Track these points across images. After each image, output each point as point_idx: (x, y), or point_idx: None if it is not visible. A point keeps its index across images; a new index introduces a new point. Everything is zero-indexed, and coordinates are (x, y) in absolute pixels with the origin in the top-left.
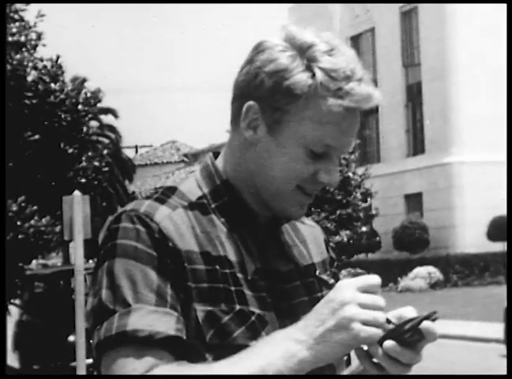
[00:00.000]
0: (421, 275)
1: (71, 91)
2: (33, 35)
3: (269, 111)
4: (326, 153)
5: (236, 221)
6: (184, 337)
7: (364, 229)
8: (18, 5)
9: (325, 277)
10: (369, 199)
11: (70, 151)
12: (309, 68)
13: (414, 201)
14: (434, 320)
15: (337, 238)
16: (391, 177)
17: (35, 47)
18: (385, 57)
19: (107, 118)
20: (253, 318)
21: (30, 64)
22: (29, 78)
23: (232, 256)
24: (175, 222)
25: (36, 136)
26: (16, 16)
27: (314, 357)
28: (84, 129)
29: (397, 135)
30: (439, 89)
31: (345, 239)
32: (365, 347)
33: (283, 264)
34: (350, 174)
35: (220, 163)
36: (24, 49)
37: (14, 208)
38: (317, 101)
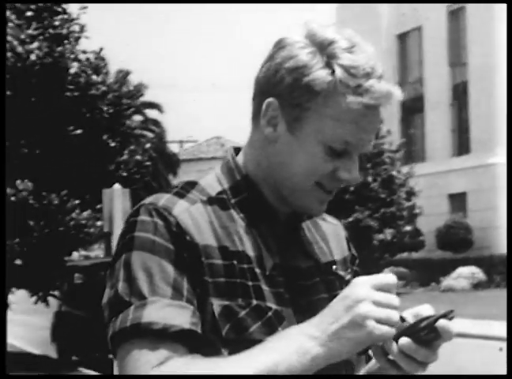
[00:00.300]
0: (464, 275)
1: (113, 84)
2: (76, 28)
3: (288, 108)
4: (346, 150)
5: (256, 217)
6: (199, 331)
7: (408, 228)
8: None
9: (341, 273)
10: (413, 198)
11: (112, 144)
12: (328, 65)
13: (458, 201)
14: (450, 319)
15: (381, 236)
16: (436, 176)
17: (77, 40)
18: (432, 56)
19: (153, 113)
20: (269, 314)
21: (72, 56)
22: (71, 70)
23: (251, 251)
24: (193, 216)
25: (79, 131)
26: (59, 9)
27: (327, 353)
28: (127, 122)
29: (443, 134)
30: (485, 89)
31: (389, 238)
32: (381, 344)
33: (302, 260)
34: (394, 173)
35: (240, 158)
36: (66, 41)
37: (56, 201)
38: (336, 98)
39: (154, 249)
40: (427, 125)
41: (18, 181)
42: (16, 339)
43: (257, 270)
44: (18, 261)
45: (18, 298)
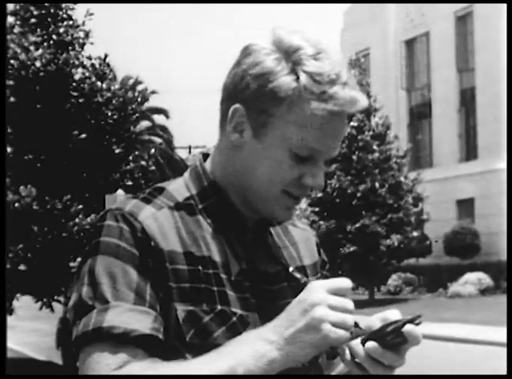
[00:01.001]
0: (471, 281)
1: (118, 90)
2: (81, 34)
3: (254, 114)
4: (311, 156)
5: (223, 222)
6: (160, 336)
7: (415, 234)
8: (66, 4)
9: (298, 275)
10: (420, 204)
11: (117, 150)
12: (293, 71)
13: (466, 207)
14: (417, 324)
15: (388, 242)
16: (443, 182)
17: (82, 46)
18: (440, 61)
19: (160, 119)
20: (234, 319)
21: (76, 62)
22: (76, 77)
23: (217, 256)
24: (159, 222)
25: (83, 136)
26: (64, 16)
27: (284, 357)
28: (132, 128)
29: (450, 140)
30: (493, 94)
31: (396, 243)
32: (342, 348)
33: (270, 265)
34: (402, 179)
35: (208, 164)
36: (70, 48)
37: (59, 206)
38: (301, 104)
39: (118, 254)
40: (435, 130)
41: (22, 188)
42: (21, 346)
43: (223, 275)
44: (22, 267)
45: (23, 304)
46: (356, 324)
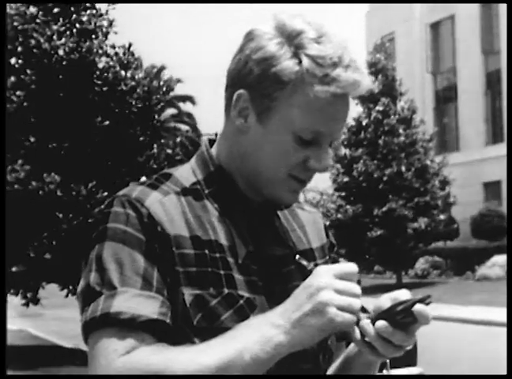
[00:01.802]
0: (499, 263)
1: (143, 79)
2: (104, 23)
3: (258, 99)
4: (316, 139)
5: (229, 206)
6: (168, 321)
7: (442, 217)
8: None
9: (304, 262)
10: (447, 187)
11: (142, 138)
12: (296, 55)
13: (493, 189)
14: (427, 303)
15: (415, 225)
16: (470, 165)
17: (106, 35)
18: (465, 44)
19: (186, 107)
20: (241, 302)
21: (100, 51)
22: (100, 65)
23: (223, 240)
24: (165, 207)
25: (107, 122)
26: (87, 4)
27: (290, 341)
28: (156, 117)
29: (476, 123)
30: None
31: (423, 227)
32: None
33: (277, 248)
34: (428, 162)
35: (214, 150)
36: (93, 36)
37: (84, 192)
38: (304, 88)
39: (125, 240)
40: (461, 114)
41: (45, 175)
42: (49, 334)
43: (230, 259)
44: (47, 255)
45: (49, 292)
46: (364, 309)
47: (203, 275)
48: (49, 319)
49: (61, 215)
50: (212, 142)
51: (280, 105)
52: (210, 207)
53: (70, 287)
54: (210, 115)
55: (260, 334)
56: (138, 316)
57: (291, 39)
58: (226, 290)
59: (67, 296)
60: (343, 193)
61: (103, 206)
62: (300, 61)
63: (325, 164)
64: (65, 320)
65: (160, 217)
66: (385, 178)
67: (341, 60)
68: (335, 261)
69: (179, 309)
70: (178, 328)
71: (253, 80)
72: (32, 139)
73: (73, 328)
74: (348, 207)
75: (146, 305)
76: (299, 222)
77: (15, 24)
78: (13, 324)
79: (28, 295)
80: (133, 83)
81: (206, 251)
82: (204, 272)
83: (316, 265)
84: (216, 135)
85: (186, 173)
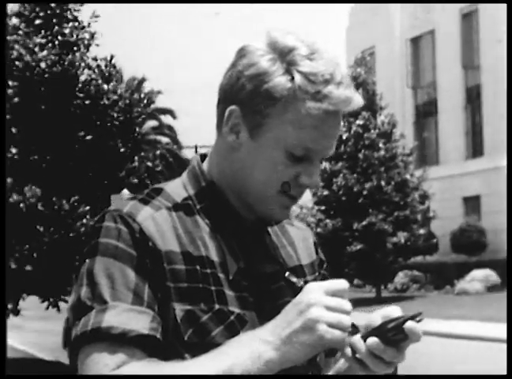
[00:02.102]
0: (478, 278)
1: (124, 92)
2: (86, 35)
3: (249, 115)
4: (307, 156)
5: (221, 222)
6: (158, 336)
7: (422, 231)
8: (71, 5)
9: (294, 279)
10: (427, 201)
11: (122, 150)
12: (288, 71)
13: (472, 204)
14: (419, 321)
15: (395, 239)
16: (449, 179)
17: (88, 47)
18: (445, 59)
19: (166, 119)
20: (232, 318)
21: (82, 64)
22: (82, 78)
23: (214, 256)
24: (157, 222)
25: (89, 137)
26: (70, 17)
27: (280, 358)
28: (138, 129)
29: (456, 137)
30: (499, 92)
31: (402, 241)
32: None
33: (268, 264)
34: (408, 176)
35: (206, 165)
36: (75, 49)
37: (66, 207)
38: (296, 104)
39: (117, 255)
40: (441, 128)
41: (26, 188)
42: (29, 346)
43: (221, 275)
44: (28, 267)
45: (29, 304)
46: (354, 325)
47: (194, 291)
48: (29, 331)
49: (42, 229)
50: (203, 158)
51: (271, 121)
52: (201, 222)
53: (51, 300)
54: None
55: (250, 350)
56: (129, 331)
57: (284, 55)
58: (217, 306)
59: (47, 308)
60: (323, 207)
61: (95, 219)
62: (292, 78)
63: (316, 180)
64: (45, 332)
65: (152, 232)
66: (364, 192)
67: (333, 77)
68: (324, 278)
69: (170, 325)
70: (168, 344)
71: (245, 96)
72: (14, 150)
73: (53, 340)
74: (327, 221)
75: (137, 320)
76: (289, 238)
77: None
78: None
79: (9, 306)
80: (115, 96)
81: (197, 267)
82: (195, 287)
83: (306, 282)
84: (195, 147)
85: (178, 188)
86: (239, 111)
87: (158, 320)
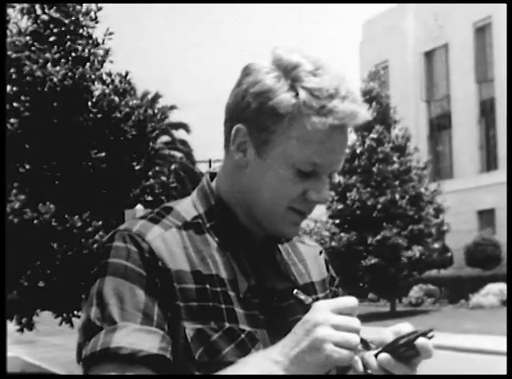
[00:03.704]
0: (493, 291)
1: (137, 107)
2: (100, 52)
3: (256, 133)
4: (315, 171)
5: (231, 240)
6: (168, 356)
7: (436, 245)
8: (86, 22)
9: (302, 297)
10: (441, 215)
11: (137, 167)
12: (293, 88)
13: (487, 217)
14: (430, 337)
15: (409, 253)
16: (464, 193)
17: (102, 63)
18: (459, 72)
19: (180, 133)
20: (242, 336)
21: (93, 76)
22: (96, 92)
23: (224, 274)
24: (166, 242)
25: (102, 154)
26: (84, 34)
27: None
28: (151, 144)
29: (471, 151)
30: None
31: (417, 255)
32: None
33: (279, 282)
34: (422, 190)
35: (215, 184)
36: (88, 63)
37: (79, 223)
38: (301, 120)
39: (126, 275)
40: (455, 141)
41: (40, 205)
42: (42, 361)
43: (231, 293)
44: (41, 283)
45: (43, 319)
46: (364, 341)
47: (204, 310)
48: (43, 346)
49: (55, 246)
50: (212, 176)
51: (278, 138)
52: (211, 240)
53: (64, 315)
54: (203, 141)
55: (260, 370)
56: (138, 351)
57: (288, 72)
58: (227, 325)
59: (61, 324)
60: (337, 221)
61: (104, 239)
62: (297, 94)
63: (324, 196)
64: (58, 347)
65: (161, 252)
66: (379, 206)
67: (338, 91)
68: (336, 295)
69: (181, 344)
70: (179, 363)
71: (250, 114)
72: (27, 166)
73: (67, 355)
74: (342, 234)
75: (146, 340)
76: (300, 256)
77: (9, 53)
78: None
79: (23, 321)
80: (127, 110)
81: (207, 286)
82: (205, 306)
83: (317, 299)
84: (209, 162)
85: (188, 207)
86: (246, 129)
87: (168, 339)
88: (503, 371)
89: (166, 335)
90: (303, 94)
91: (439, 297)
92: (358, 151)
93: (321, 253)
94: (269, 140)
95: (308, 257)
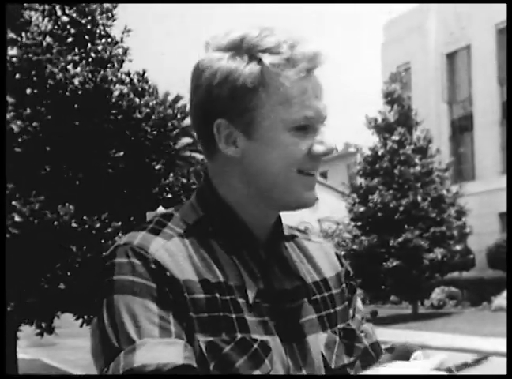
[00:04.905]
0: None
1: (157, 106)
2: (119, 51)
3: (237, 119)
4: (309, 126)
5: (235, 242)
6: (194, 364)
7: (458, 247)
8: (102, 21)
9: (353, 326)
10: (463, 217)
11: (157, 167)
12: (252, 57)
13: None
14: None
15: (431, 255)
16: (486, 194)
17: (121, 63)
18: (481, 74)
19: None
20: (255, 346)
21: (114, 79)
22: (115, 93)
23: (233, 280)
24: (170, 252)
25: (121, 153)
26: (102, 33)
27: None
28: (172, 144)
29: (492, 152)
30: None
31: (439, 257)
32: None
33: (288, 281)
34: (444, 192)
35: (213, 186)
36: (108, 65)
37: (98, 224)
38: (274, 82)
39: (134, 291)
40: (477, 143)
41: (60, 206)
42: (63, 363)
43: (241, 300)
44: (62, 286)
45: (64, 321)
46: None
47: (215, 321)
48: (63, 348)
49: (74, 248)
50: (208, 178)
51: (261, 111)
52: (215, 245)
53: (85, 317)
54: None
55: None
56: (164, 365)
57: (238, 47)
58: (239, 335)
59: (82, 326)
60: (359, 223)
61: (106, 254)
62: (259, 60)
63: (330, 145)
64: (79, 349)
65: (167, 263)
66: (401, 208)
67: (294, 40)
68: (352, 288)
69: (197, 355)
70: (202, 371)
71: (224, 104)
72: (48, 168)
73: (87, 357)
74: (363, 237)
75: (169, 352)
76: (307, 254)
77: (30, 55)
78: (26, 353)
79: (43, 325)
80: (147, 110)
81: (216, 294)
82: (215, 317)
83: (331, 295)
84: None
85: (188, 211)
86: (225, 121)
87: (189, 348)
88: None
89: (187, 344)
90: (264, 57)
91: (461, 299)
92: (379, 153)
93: (331, 248)
94: (254, 117)
95: (316, 253)
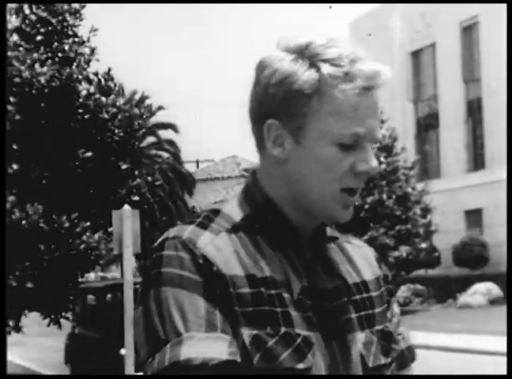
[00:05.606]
0: (480, 291)
1: (124, 105)
2: (87, 50)
3: (288, 122)
4: (357, 142)
5: (281, 240)
6: (239, 360)
7: (424, 245)
8: (71, 21)
9: (390, 329)
10: (428, 215)
11: (124, 167)
12: (312, 64)
13: (474, 217)
14: None
15: (396, 253)
16: (451, 192)
17: (88, 62)
18: (446, 72)
19: (168, 133)
20: (298, 340)
21: (80, 77)
22: (82, 93)
23: (278, 275)
24: (218, 247)
25: (89, 154)
26: (69, 32)
27: None
28: (137, 143)
29: (458, 150)
30: (500, 104)
31: (404, 255)
32: None
33: (330, 281)
34: (409, 190)
35: (259, 184)
36: (74, 63)
37: (66, 224)
38: (330, 93)
39: (182, 284)
40: (442, 141)
41: (28, 206)
42: (31, 362)
43: (286, 295)
44: (29, 284)
45: (31, 320)
46: None
47: (260, 315)
48: (31, 347)
49: (42, 247)
50: (254, 175)
51: (312, 119)
52: (261, 242)
53: (52, 316)
54: (190, 141)
55: None
56: (209, 359)
57: (302, 52)
58: (283, 329)
59: (49, 325)
60: None
61: (154, 246)
62: (319, 69)
63: (374, 163)
64: (46, 348)
65: (214, 258)
66: (366, 206)
67: (357, 56)
68: (390, 292)
69: (240, 349)
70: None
71: (278, 105)
72: (15, 166)
73: (54, 356)
74: None
75: (215, 348)
76: (348, 256)
77: None
78: None
79: (11, 323)
80: (114, 109)
81: (262, 289)
82: (261, 310)
83: (370, 297)
84: (197, 162)
85: (235, 208)
86: (277, 122)
87: (235, 343)
88: (490, 371)
89: (232, 340)
90: (324, 67)
91: (427, 296)
92: None
93: (370, 252)
94: (304, 123)
95: (357, 256)
